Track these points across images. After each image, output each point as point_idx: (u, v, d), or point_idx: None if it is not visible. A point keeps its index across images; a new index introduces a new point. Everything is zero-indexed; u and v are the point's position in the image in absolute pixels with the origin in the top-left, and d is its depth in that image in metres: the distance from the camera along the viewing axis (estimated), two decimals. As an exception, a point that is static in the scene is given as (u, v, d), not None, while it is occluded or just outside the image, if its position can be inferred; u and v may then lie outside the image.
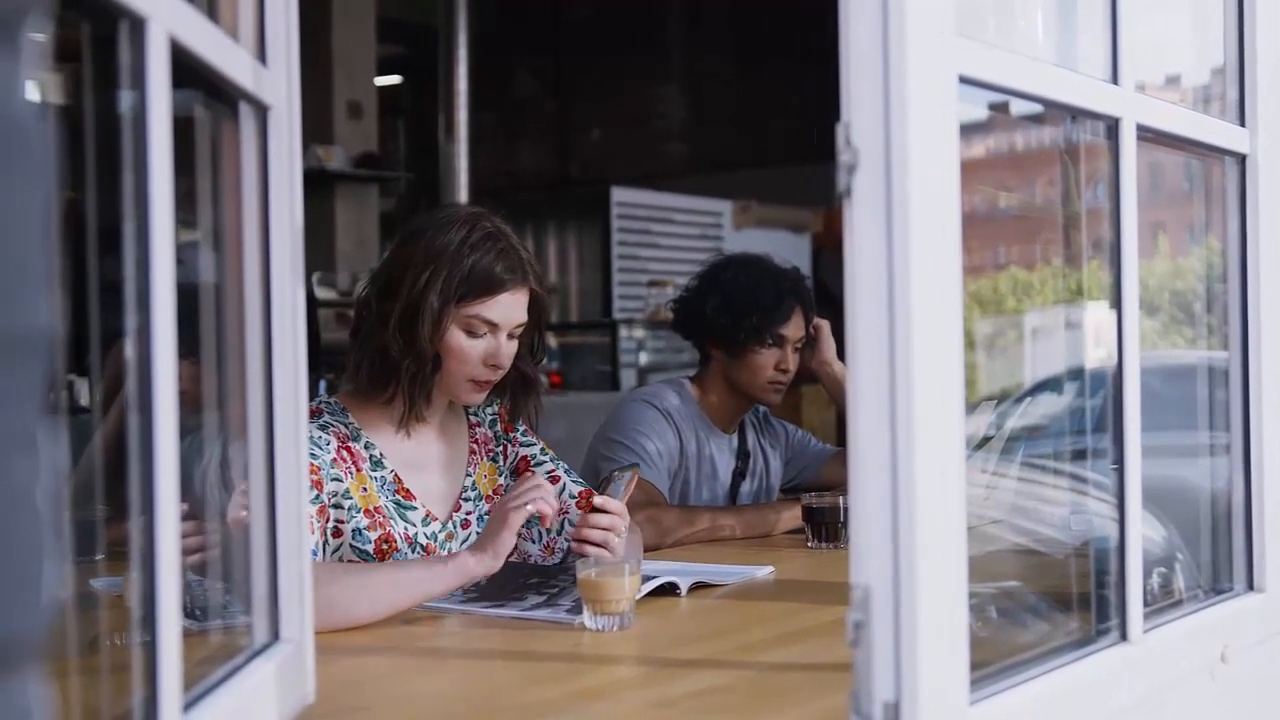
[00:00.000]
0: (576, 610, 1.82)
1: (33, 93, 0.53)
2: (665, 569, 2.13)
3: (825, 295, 5.67)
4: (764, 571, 2.25)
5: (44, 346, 0.51)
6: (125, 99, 0.97)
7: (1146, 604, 1.47)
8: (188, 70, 1.06)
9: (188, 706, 1.03)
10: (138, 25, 0.95)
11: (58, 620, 0.55)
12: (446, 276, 2.03)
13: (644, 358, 7.11)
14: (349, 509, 2.03)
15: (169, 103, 0.98)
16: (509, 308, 2.08)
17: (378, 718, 1.42)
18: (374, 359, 2.08)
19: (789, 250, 5.90)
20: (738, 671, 1.59)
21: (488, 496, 2.23)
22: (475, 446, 2.25)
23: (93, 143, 1.01)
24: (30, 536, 0.49)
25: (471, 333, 2.07)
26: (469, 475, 2.21)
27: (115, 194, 0.97)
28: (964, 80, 1.19)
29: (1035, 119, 1.65)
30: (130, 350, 0.96)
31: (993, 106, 1.39)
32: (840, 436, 4.57)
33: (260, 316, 1.30)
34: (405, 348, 2.05)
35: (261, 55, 1.29)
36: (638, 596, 1.82)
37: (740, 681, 1.54)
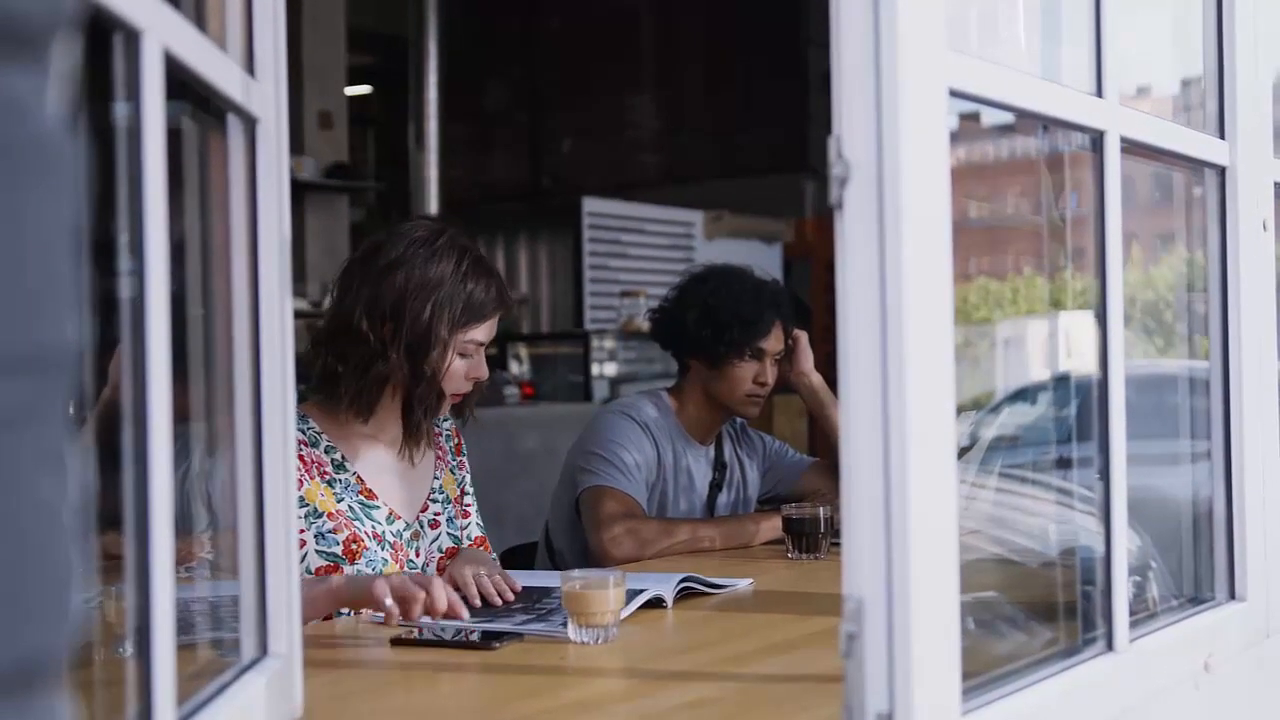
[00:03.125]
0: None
1: (59, 108, 0.53)
2: (648, 580, 2.13)
3: (796, 305, 5.66)
4: (744, 584, 2.25)
5: (71, 362, 0.50)
6: (119, 110, 0.96)
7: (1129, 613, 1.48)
8: (177, 82, 1.05)
9: (180, 723, 1.03)
10: (132, 37, 0.95)
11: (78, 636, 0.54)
12: (451, 308, 2.13)
13: (616, 368, 7.10)
14: (306, 516, 2.07)
15: (163, 114, 0.98)
16: (493, 327, 2.22)
17: (365, 732, 1.41)
18: (374, 385, 2.13)
19: (760, 260, 5.89)
20: (726, 683, 1.59)
21: (454, 500, 2.32)
22: (440, 452, 2.33)
23: (83, 154, 1.00)
24: (60, 554, 0.49)
25: (464, 354, 2.18)
26: (436, 478, 2.30)
27: (103, 204, 0.96)
28: (954, 93, 1.19)
29: (1006, 129, 1.66)
30: (125, 363, 0.95)
31: (963, 116, 1.39)
32: (814, 446, 4.57)
33: (248, 329, 1.29)
34: (414, 377, 2.13)
35: (250, 67, 1.29)
36: (626, 614, 1.82)
37: (729, 693, 1.54)
